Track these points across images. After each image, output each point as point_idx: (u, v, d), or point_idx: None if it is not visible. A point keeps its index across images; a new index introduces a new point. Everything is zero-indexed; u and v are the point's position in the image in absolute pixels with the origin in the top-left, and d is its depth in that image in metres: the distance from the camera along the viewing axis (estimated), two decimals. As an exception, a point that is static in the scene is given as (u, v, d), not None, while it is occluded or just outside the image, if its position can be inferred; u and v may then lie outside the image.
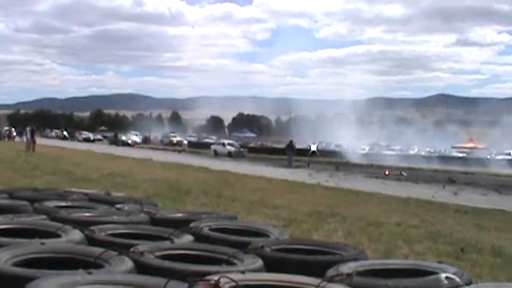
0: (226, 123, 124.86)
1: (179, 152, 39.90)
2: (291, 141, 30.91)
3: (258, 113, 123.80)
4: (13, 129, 48.95)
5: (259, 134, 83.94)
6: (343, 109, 73.09)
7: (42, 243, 2.34)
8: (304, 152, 38.79)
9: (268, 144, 57.75)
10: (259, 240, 2.81)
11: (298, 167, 26.71)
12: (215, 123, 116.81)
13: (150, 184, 11.27)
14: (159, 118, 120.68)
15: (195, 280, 1.84)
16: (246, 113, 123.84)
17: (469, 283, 2.14)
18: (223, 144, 40.45)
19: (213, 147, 40.96)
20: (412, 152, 47.22)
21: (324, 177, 18.78)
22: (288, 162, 27.93)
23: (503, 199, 13.64)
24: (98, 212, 3.64)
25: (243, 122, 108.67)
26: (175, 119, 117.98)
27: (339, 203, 10.09)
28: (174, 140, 57.60)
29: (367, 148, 47.69)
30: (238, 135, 64.53)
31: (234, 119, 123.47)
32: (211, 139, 60.27)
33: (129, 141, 51.11)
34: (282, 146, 52.48)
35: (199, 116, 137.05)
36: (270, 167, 25.79)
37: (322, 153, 40.00)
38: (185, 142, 56.36)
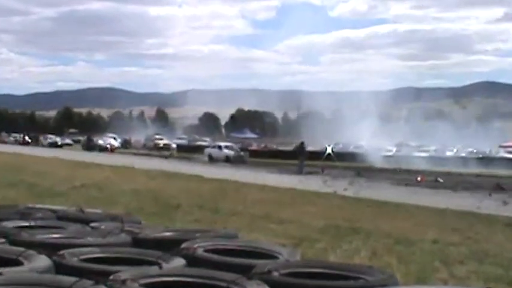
0: (222, 122, 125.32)
1: (166, 157, 40.05)
2: (302, 143, 31.04)
3: (260, 108, 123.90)
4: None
5: (262, 135, 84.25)
6: (363, 103, 73.16)
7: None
8: (318, 155, 38.81)
9: (274, 147, 58.26)
10: (265, 263, 2.82)
11: (310, 173, 26.75)
12: (209, 122, 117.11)
13: (131, 197, 11.29)
14: (142, 117, 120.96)
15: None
16: (246, 109, 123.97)
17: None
18: (220, 147, 40.61)
19: (207, 151, 41.11)
20: (449, 153, 47.25)
21: (342, 185, 18.82)
22: (299, 168, 28.00)
23: None
24: (69, 233, 3.66)
25: (243, 120, 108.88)
26: (161, 117, 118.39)
27: (360, 216, 10.12)
28: (160, 143, 57.78)
29: (394, 149, 47.76)
30: (237, 136, 64.84)
31: (232, 116, 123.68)
32: (204, 141, 60.45)
33: (108, 146, 51.38)
34: (291, 148, 53.41)
35: (190, 113, 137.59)
36: (276, 174, 25.84)
37: (340, 156, 39.99)
38: (173, 145, 56.57)
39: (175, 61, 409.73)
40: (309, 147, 34.84)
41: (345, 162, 37.22)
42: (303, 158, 29.14)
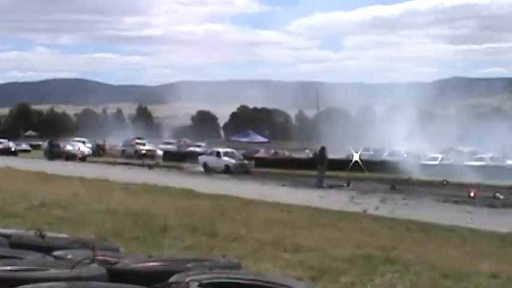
0: (221, 123, 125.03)
1: (150, 167, 40.20)
2: (323, 148, 31.07)
3: (269, 105, 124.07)
4: None
5: (272, 138, 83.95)
6: (399, 98, 72.87)
7: None
8: (342, 164, 38.82)
9: (286, 154, 58.33)
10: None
11: (332, 186, 26.78)
12: (204, 122, 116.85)
13: (106, 218, 11.30)
14: (119, 116, 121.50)
15: None
16: (251, 107, 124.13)
17: None
18: (218, 154, 40.69)
19: (202, 159, 41.27)
20: (511, 162, 46.96)
21: (373, 203, 18.86)
22: (318, 180, 28.05)
23: None
24: (26, 264, 3.64)
25: (247, 120, 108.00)
26: (144, 117, 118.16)
27: (397, 242, 10.15)
28: (143, 149, 57.97)
29: (440, 157, 47.62)
30: (240, 141, 64.42)
31: (233, 115, 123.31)
32: (199, 147, 60.61)
33: (78, 153, 51.56)
34: (308, 155, 53.28)
35: (180, 112, 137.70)
36: (290, 187, 25.89)
37: (370, 165, 40.00)
38: (159, 152, 56.80)
39: (162, 45, 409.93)
40: (331, 154, 34.76)
41: (377, 172, 37.24)
42: (323, 168, 29.18)
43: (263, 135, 75.07)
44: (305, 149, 60.07)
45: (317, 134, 60.86)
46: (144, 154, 54.99)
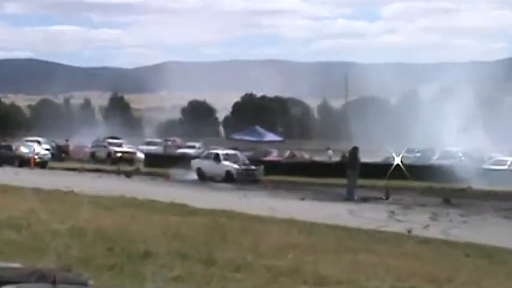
0: (221, 116, 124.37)
1: (128, 175, 40.03)
2: (354, 150, 30.85)
3: (282, 93, 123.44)
4: None
5: (286, 136, 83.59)
6: (453, 82, 72.54)
7: None
8: (379, 169, 38.67)
9: (306, 156, 57.97)
10: None
11: (366, 199, 26.81)
12: (199, 116, 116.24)
13: (71, 241, 11.19)
14: (87, 108, 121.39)
15: None
16: (258, 95, 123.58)
17: None
18: (217, 158, 40.66)
19: (196, 163, 41.36)
20: None
21: (421, 220, 18.82)
22: (348, 191, 28.03)
23: None
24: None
25: (254, 113, 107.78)
26: (119, 109, 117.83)
27: (453, 272, 10.04)
28: (118, 151, 57.89)
29: (509, 160, 47.33)
30: (245, 140, 64.13)
31: (236, 106, 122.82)
32: (191, 148, 60.45)
33: (33, 157, 51.46)
34: (331, 158, 52.65)
35: (167, 102, 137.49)
36: (311, 200, 25.80)
37: (415, 171, 39.84)
38: (140, 155, 56.70)
39: (143, 15, 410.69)
40: (364, 157, 34.60)
41: (424, 181, 37.10)
42: (354, 175, 29.04)
43: (275, 133, 74.80)
44: (328, 149, 59.59)
45: (345, 130, 60.68)
46: (120, 158, 54.94)
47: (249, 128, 68.20)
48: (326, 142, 71.87)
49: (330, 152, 57.41)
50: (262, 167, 40.65)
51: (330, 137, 79.10)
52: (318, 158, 56.35)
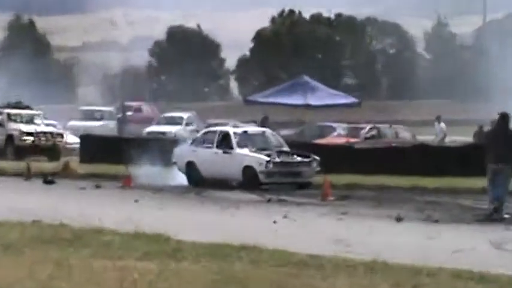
0: (230, 59, 78.37)
1: (48, 179, 27.89)
2: (504, 119, 19.89)
3: (355, 11, 76.62)
4: None
5: (366, 95, 60.50)
6: None
7: None
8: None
9: (402, 135, 37.04)
10: None
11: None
12: (184, 55, 73.42)
13: None
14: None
15: None
16: (305, 14, 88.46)
17: None
18: (226, 142, 28.04)
19: (183, 153, 28.12)
20: None
21: None
22: (491, 199, 18.65)
23: None
24: None
25: (294, 49, 77.23)
26: (29, 45, 74.34)
27: None
28: (26, 132, 38.57)
29: None
30: (279, 103, 44.47)
31: (259, 37, 79.08)
32: (174, 123, 44.33)
33: None
34: (442, 137, 34.36)
35: (124, 31, 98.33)
36: (412, 221, 17.34)
37: None
38: (71, 139, 39.29)
39: None
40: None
41: None
42: (505, 171, 19.09)
43: (341, 89, 53.83)
44: (437, 119, 38.48)
45: (481, 80, 45.17)
46: (34, 144, 38.28)
47: (288, 81, 47.90)
48: (440, 106, 51.09)
49: (442, 125, 38.07)
50: (316, 158, 27.02)
51: (449, 93, 58.76)
52: (424, 137, 38.33)
